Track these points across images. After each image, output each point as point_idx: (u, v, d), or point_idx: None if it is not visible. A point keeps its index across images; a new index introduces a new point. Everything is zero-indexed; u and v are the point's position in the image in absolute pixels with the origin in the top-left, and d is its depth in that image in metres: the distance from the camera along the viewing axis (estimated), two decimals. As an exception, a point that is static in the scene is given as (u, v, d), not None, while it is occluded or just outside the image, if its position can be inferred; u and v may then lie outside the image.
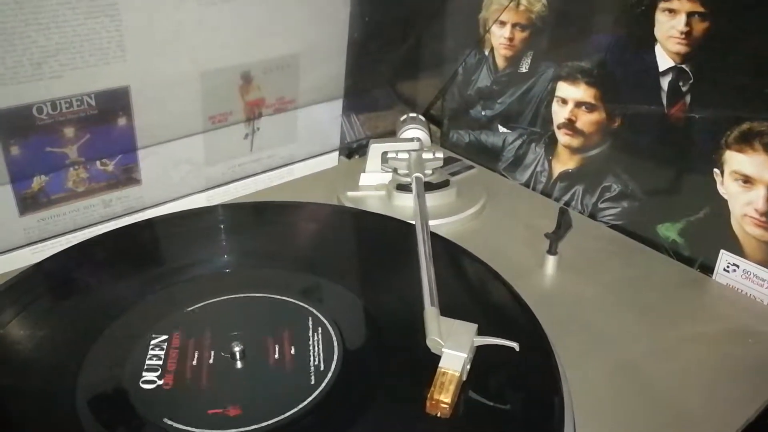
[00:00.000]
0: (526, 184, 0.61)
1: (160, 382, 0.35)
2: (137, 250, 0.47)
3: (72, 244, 0.48)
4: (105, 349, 0.37)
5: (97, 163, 0.51)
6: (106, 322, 0.39)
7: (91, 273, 0.45)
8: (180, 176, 0.56)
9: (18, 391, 0.35)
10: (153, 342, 0.37)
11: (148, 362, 0.36)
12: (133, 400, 0.34)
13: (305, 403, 0.33)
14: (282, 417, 0.32)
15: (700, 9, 0.45)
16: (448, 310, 0.37)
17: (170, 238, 0.49)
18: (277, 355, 0.37)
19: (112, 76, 0.47)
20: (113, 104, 0.48)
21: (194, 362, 0.36)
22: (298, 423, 0.32)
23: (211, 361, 0.36)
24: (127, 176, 0.53)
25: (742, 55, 0.44)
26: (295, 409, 0.33)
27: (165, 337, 0.38)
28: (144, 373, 0.35)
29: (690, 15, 0.46)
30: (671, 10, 0.47)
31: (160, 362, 0.36)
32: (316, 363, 0.36)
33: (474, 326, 0.35)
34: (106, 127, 0.49)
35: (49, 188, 0.49)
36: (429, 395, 0.32)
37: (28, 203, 0.48)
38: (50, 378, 0.35)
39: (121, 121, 0.50)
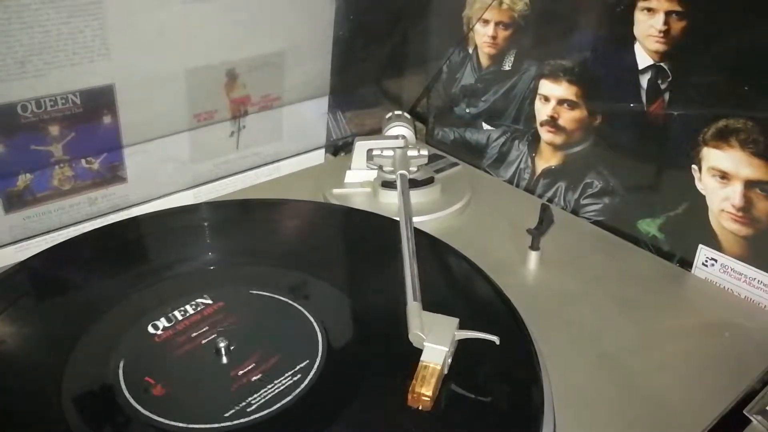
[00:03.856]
0: (510, 181, 0.62)
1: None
2: (122, 248, 0.48)
3: (57, 242, 0.48)
4: (90, 347, 0.37)
5: (83, 161, 0.51)
6: (91, 320, 0.39)
7: (77, 271, 0.45)
8: (166, 174, 0.56)
9: (3, 388, 0.35)
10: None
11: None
12: (118, 397, 0.34)
13: (290, 397, 0.34)
14: (267, 411, 0.33)
15: (678, 8, 0.46)
16: (431, 304, 0.38)
17: (156, 236, 0.49)
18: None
19: (97, 74, 0.47)
20: (98, 102, 0.49)
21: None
22: (283, 417, 0.33)
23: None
24: (113, 174, 0.53)
25: (719, 53, 0.45)
26: (280, 403, 0.33)
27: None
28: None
29: (668, 14, 0.47)
30: (650, 9, 0.47)
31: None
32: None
33: (455, 320, 0.36)
34: (91, 125, 0.49)
35: (35, 186, 0.49)
36: (410, 388, 0.33)
37: (13, 201, 0.48)
38: (35, 376, 0.35)
39: (106, 119, 0.50)
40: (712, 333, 0.43)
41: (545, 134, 0.58)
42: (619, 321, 0.44)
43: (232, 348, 0.37)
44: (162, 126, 0.54)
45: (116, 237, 0.48)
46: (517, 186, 0.61)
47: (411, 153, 0.57)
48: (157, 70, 0.50)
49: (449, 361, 0.35)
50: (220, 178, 0.60)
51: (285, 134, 0.63)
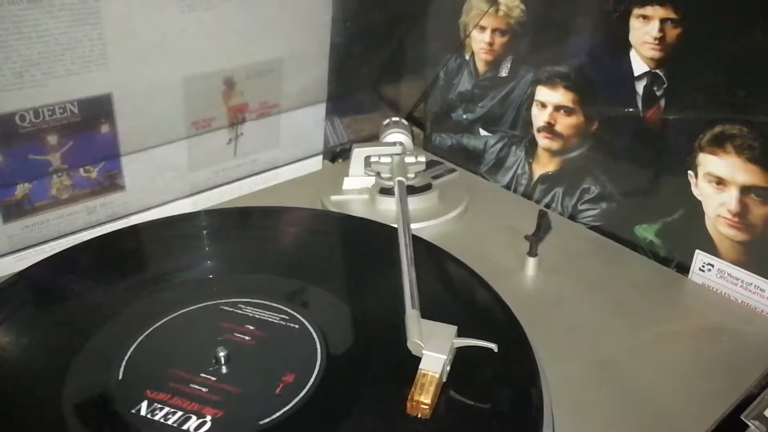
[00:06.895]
0: (507, 187, 0.62)
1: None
2: (122, 256, 0.48)
3: (56, 251, 0.48)
4: (90, 357, 0.37)
5: (81, 170, 0.51)
6: (91, 330, 0.39)
7: (76, 280, 0.45)
8: (164, 182, 0.56)
9: (3, 398, 0.35)
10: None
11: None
12: (118, 406, 0.34)
13: (289, 406, 0.34)
14: (266, 420, 0.33)
15: (673, 15, 0.46)
16: (429, 312, 0.38)
17: (154, 245, 0.49)
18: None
19: (95, 83, 0.47)
20: (96, 111, 0.49)
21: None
22: (282, 425, 0.33)
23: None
24: (111, 183, 0.53)
25: (714, 59, 0.45)
26: (280, 412, 0.33)
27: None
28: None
29: (663, 21, 0.47)
30: (645, 17, 0.48)
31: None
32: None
33: (454, 328, 0.36)
34: (89, 134, 0.49)
35: (33, 195, 0.49)
36: (409, 396, 0.33)
37: (11, 211, 0.48)
38: (35, 386, 0.35)
39: (104, 128, 0.50)
40: (709, 338, 0.43)
41: (542, 140, 0.58)
42: (617, 326, 0.44)
43: (231, 357, 0.37)
44: (160, 134, 0.54)
45: (115, 246, 0.48)
46: (515, 192, 0.62)
47: (408, 160, 0.57)
48: (155, 78, 0.50)
49: (448, 368, 0.35)
50: (218, 186, 0.60)
51: (283, 141, 0.63)
